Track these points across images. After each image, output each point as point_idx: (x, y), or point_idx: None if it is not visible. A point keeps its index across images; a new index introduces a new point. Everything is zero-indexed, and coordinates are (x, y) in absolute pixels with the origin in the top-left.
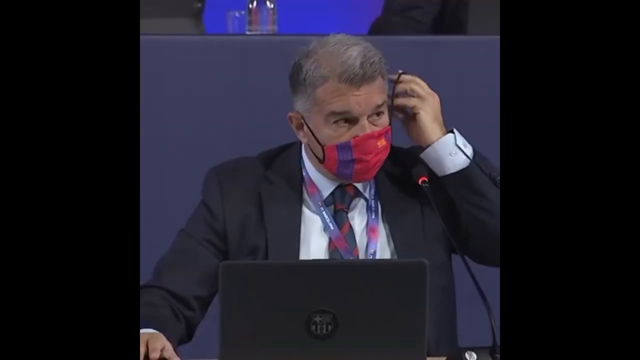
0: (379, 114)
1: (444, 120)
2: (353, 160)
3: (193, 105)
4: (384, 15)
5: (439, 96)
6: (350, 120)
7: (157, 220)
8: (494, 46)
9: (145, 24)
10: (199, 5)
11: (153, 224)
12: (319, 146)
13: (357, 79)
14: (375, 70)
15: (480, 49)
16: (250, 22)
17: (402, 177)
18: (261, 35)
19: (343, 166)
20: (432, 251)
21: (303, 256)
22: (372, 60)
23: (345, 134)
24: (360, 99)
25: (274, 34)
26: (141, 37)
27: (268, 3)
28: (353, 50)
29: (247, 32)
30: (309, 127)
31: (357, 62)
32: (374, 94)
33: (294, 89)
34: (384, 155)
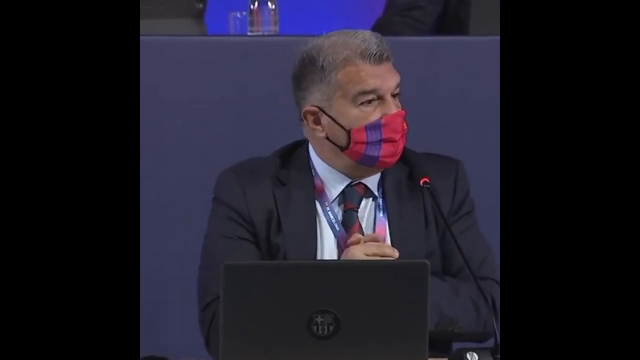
0: (396, 96)
1: (444, 122)
2: (382, 141)
3: (194, 107)
4: (386, 16)
5: (440, 97)
6: (378, 99)
7: (157, 221)
8: (495, 47)
9: (146, 25)
10: (201, 6)
11: (153, 225)
12: (343, 132)
13: (377, 57)
14: (389, 51)
15: (481, 49)
16: (252, 23)
17: (410, 177)
18: (263, 36)
19: (371, 149)
20: (432, 262)
21: (318, 257)
22: (384, 41)
23: (373, 114)
24: (384, 76)
25: (275, 35)
26: (141, 38)
27: (270, 4)
28: (363, 33)
29: (249, 33)
30: (329, 117)
31: (373, 41)
32: (393, 73)
33: (304, 84)
34: (405, 141)
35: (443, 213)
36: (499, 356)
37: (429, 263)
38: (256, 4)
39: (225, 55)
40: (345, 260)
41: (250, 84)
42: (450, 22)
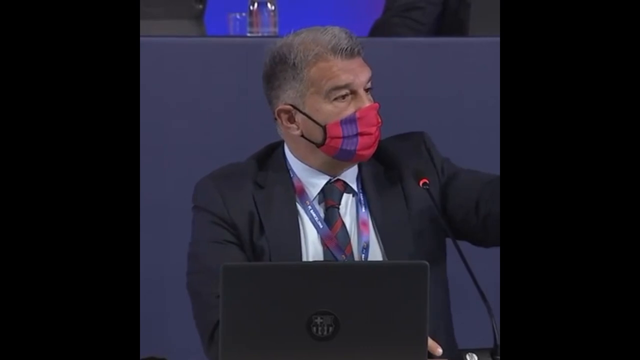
0: (367, 90)
1: (443, 123)
2: (357, 134)
3: (193, 107)
4: (385, 16)
5: (439, 98)
6: (351, 93)
7: (157, 221)
8: (494, 47)
9: (146, 26)
10: (200, 7)
11: (153, 225)
12: (318, 128)
13: (348, 51)
14: (359, 45)
15: (481, 50)
16: (251, 24)
17: (387, 168)
18: (262, 37)
19: (347, 143)
20: (420, 244)
21: (303, 257)
22: (353, 36)
23: (347, 108)
24: (356, 70)
25: (275, 36)
26: (141, 39)
27: (269, 5)
28: (332, 29)
29: (248, 34)
30: (304, 114)
31: (343, 36)
32: (364, 66)
33: (276, 83)
34: (379, 134)
35: (439, 207)
36: (498, 357)
37: (428, 263)
38: (255, 5)
39: (224, 56)
40: (344, 261)
41: (249, 85)
42: (449, 23)
